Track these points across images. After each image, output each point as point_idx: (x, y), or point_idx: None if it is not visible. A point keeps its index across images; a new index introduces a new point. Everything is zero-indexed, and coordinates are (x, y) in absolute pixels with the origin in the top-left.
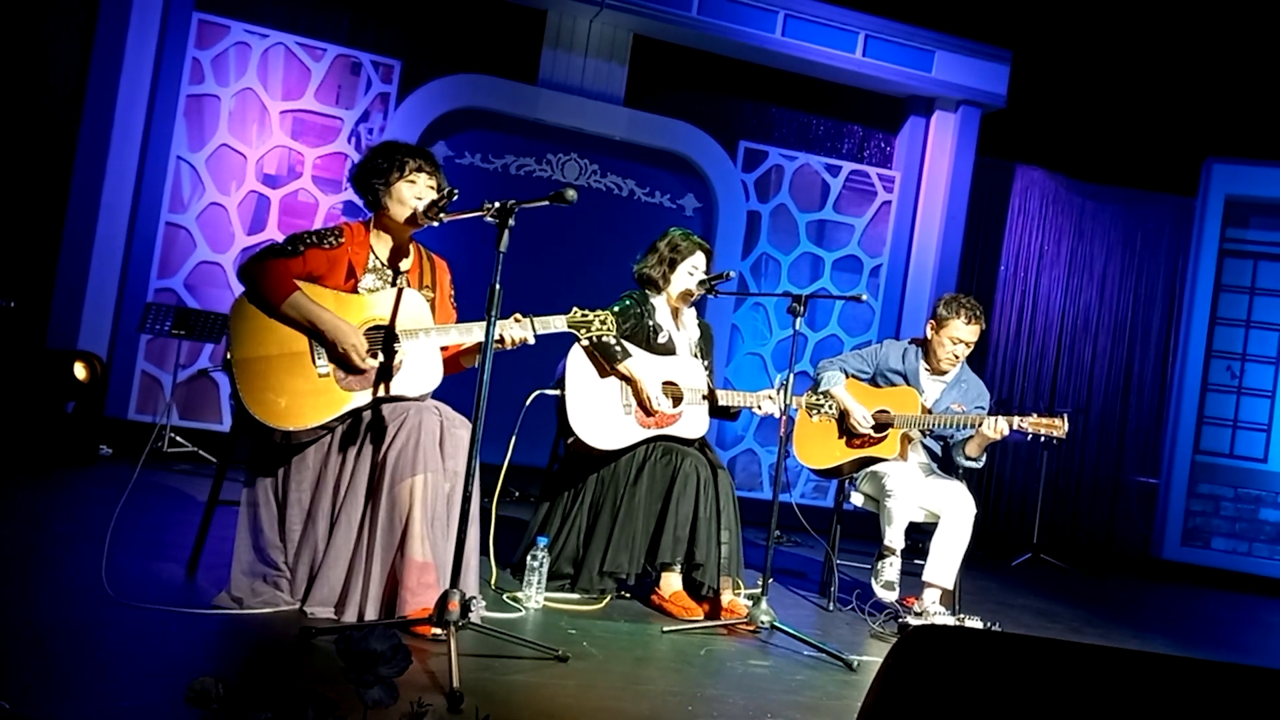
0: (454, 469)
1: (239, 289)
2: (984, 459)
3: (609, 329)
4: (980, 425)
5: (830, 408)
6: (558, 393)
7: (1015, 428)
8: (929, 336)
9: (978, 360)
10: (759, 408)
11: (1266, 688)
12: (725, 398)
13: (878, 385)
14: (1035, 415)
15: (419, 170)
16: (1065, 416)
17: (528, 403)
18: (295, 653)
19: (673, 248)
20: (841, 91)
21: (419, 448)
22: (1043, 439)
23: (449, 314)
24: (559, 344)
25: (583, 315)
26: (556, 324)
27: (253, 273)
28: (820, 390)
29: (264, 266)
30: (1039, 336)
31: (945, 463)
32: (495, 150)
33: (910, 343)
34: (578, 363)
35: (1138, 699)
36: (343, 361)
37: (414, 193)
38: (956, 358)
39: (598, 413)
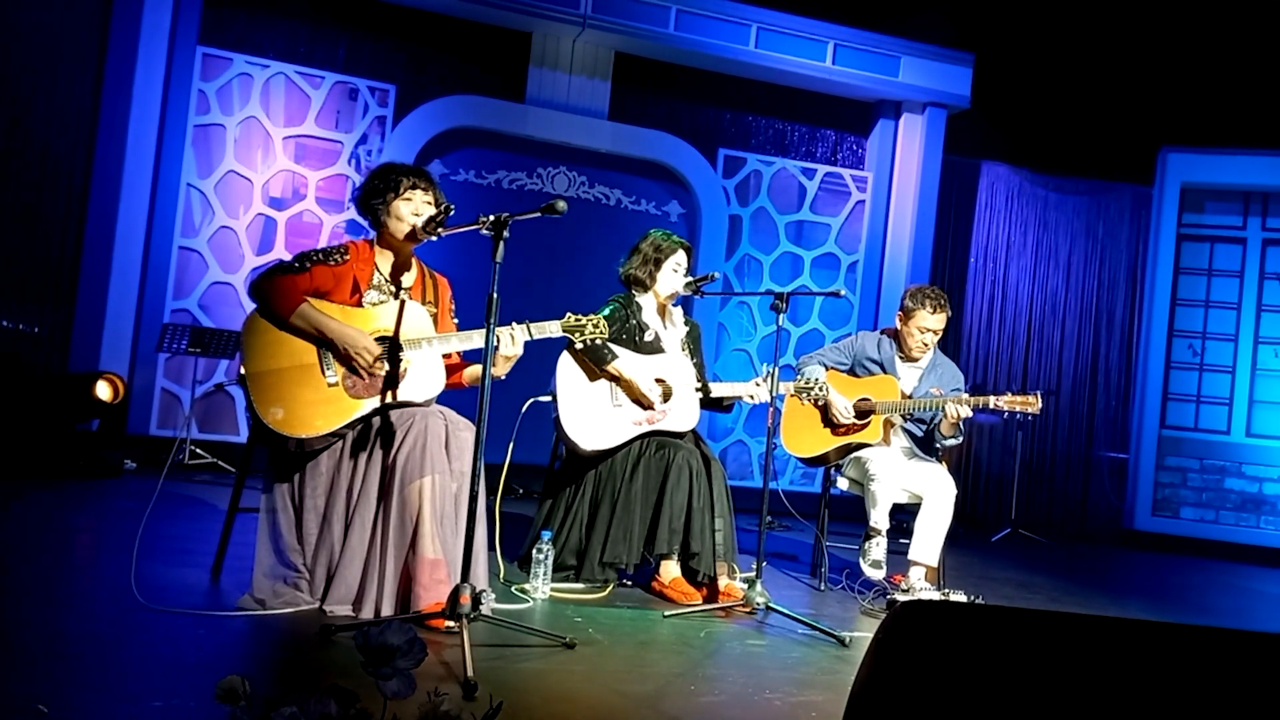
0: (460, 469)
1: (250, 306)
2: (960, 436)
3: (601, 331)
4: (946, 407)
5: (822, 389)
6: (551, 400)
7: (992, 407)
8: (899, 327)
9: (952, 347)
10: (751, 398)
11: (1237, 649)
12: (717, 389)
13: (856, 375)
14: (1010, 394)
15: (414, 188)
16: (1039, 395)
17: (523, 410)
18: (316, 649)
19: (656, 248)
20: (814, 98)
21: (426, 450)
22: (1018, 416)
23: (450, 328)
24: (551, 352)
25: (576, 320)
26: (551, 329)
27: (262, 288)
28: (812, 379)
29: (273, 282)
30: (1009, 323)
31: (926, 446)
32: (488, 166)
33: (883, 333)
34: (566, 370)
35: (1116, 663)
36: (353, 367)
37: (410, 209)
38: (926, 345)
39: (589, 415)
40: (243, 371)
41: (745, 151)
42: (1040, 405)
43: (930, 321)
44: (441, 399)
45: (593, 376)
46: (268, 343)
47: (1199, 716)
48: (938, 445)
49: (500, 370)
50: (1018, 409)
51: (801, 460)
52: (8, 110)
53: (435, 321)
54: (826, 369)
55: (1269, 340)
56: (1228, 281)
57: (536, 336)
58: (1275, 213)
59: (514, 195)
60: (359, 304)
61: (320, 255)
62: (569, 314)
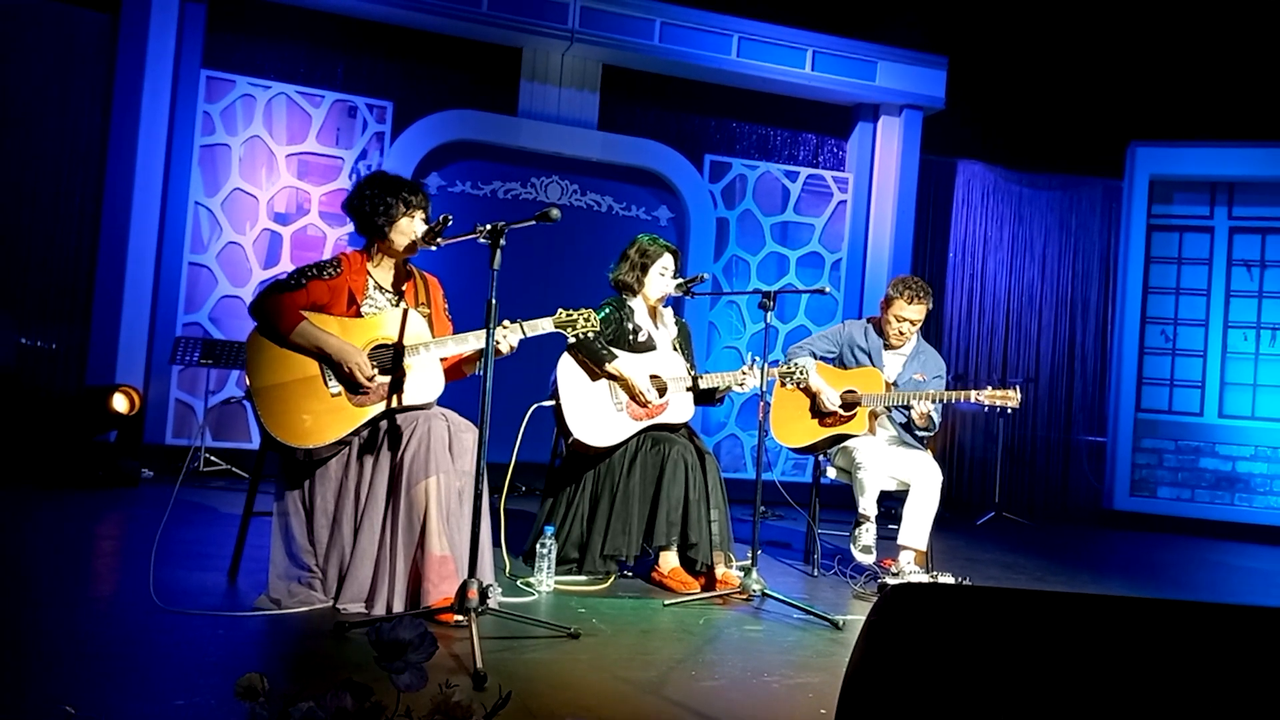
0: (464, 469)
1: (254, 324)
2: (935, 428)
3: (593, 325)
4: (912, 406)
5: (802, 374)
6: (553, 403)
7: (973, 401)
8: (881, 315)
9: (934, 338)
10: (741, 385)
11: (1215, 622)
12: (707, 381)
13: (845, 365)
14: (990, 389)
15: (418, 207)
16: (1018, 388)
17: (527, 415)
18: (331, 646)
19: (642, 253)
20: (794, 104)
21: (430, 452)
22: (999, 409)
23: (445, 326)
24: (549, 355)
25: (568, 315)
26: (544, 326)
27: (263, 308)
28: (796, 363)
29: (272, 301)
30: (988, 315)
31: (910, 433)
32: (483, 177)
33: (869, 322)
34: (568, 371)
35: (1098, 639)
36: (349, 380)
37: (413, 227)
38: (902, 334)
39: (592, 414)
40: (250, 387)
41: (730, 156)
42: (1019, 399)
43: (907, 311)
44: (445, 398)
45: (594, 377)
46: (271, 359)
47: (1180, 687)
48: (916, 436)
49: (510, 347)
50: (997, 403)
51: (792, 450)
52: (20, 135)
53: (430, 322)
54: (816, 359)
55: (1238, 325)
56: (1197, 269)
57: (530, 334)
58: (1241, 202)
59: (509, 205)
60: (357, 314)
61: (315, 270)
62: (560, 310)
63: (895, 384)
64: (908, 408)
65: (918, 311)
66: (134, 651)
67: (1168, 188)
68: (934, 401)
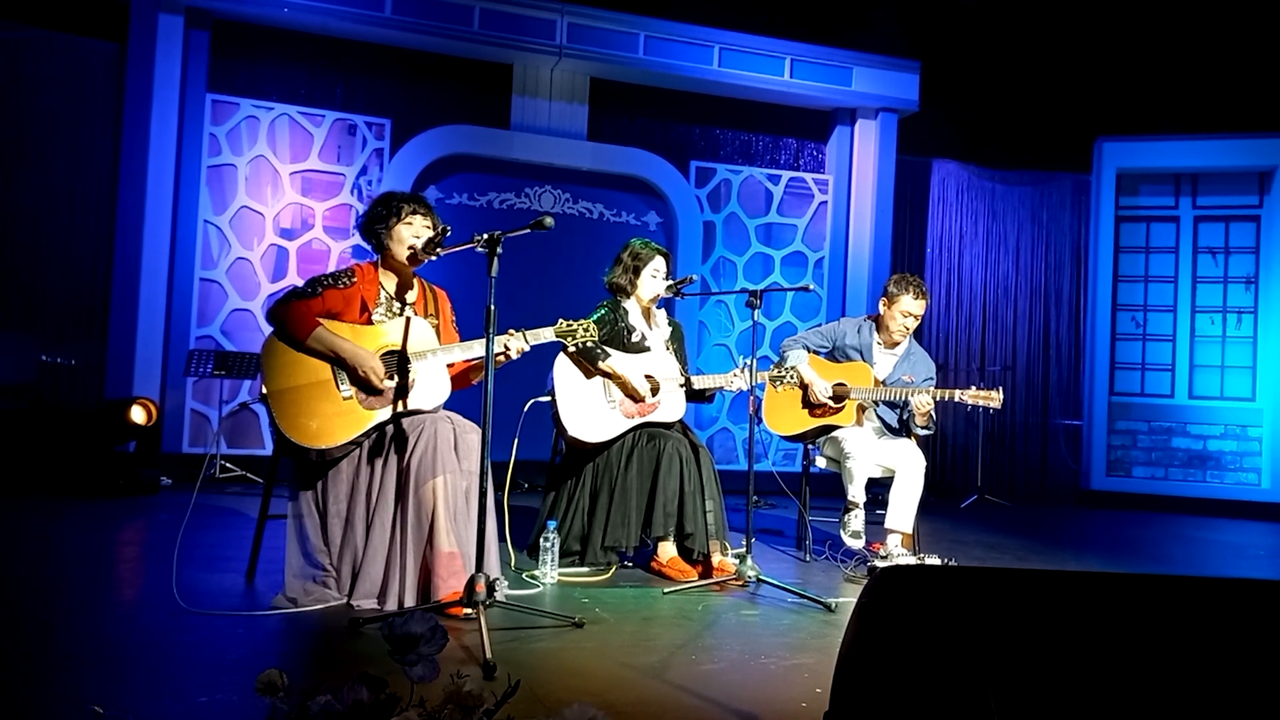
0: (469, 468)
1: (269, 330)
2: (933, 427)
3: (591, 335)
4: (911, 401)
5: (792, 378)
6: (550, 399)
7: (957, 401)
8: (882, 312)
9: (915, 331)
10: (731, 385)
11: (1189, 594)
12: (699, 382)
13: (836, 360)
14: (974, 389)
15: (413, 213)
16: (1000, 389)
17: (524, 410)
18: (346, 641)
19: (634, 256)
20: (775, 110)
21: (437, 453)
22: (980, 409)
23: (453, 336)
24: (547, 355)
25: (568, 326)
26: (545, 335)
27: (279, 314)
28: (787, 366)
29: (289, 308)
30: (966, 307)
31: (896, 426)
32: (479, 189)
33: (865, 319)
34: (563, 370)
35: (1079, 613)
36: (363, 383)
37: (411, 233)
38: (905, 329)
39: (586, 411)
40: (264, 390)
41: (715, 162)
42: (1002, 399)
43: (912, 306)
44: (450, 401)
45: (588, 374)
46: (285, 363)
47: (1159, 657)
48: (915, 435)
49: (517, 350)
50: (980, 403)
51: (783, 438)
52: (36, 162)
53: (438, 332)
54: (809, 352)
55: (1205, 309)
56: (1164, 257)
57: (532, 343)
58: (1204, 191)
59: (505, 214)
60: (368, 322)
61: (330, 279)
62: (561, 320)
63: (884, 383)
64: (895, 405)
65: (921, 306)
66: (158, 651)
67: (1134, 180)
68: (927, 398)
